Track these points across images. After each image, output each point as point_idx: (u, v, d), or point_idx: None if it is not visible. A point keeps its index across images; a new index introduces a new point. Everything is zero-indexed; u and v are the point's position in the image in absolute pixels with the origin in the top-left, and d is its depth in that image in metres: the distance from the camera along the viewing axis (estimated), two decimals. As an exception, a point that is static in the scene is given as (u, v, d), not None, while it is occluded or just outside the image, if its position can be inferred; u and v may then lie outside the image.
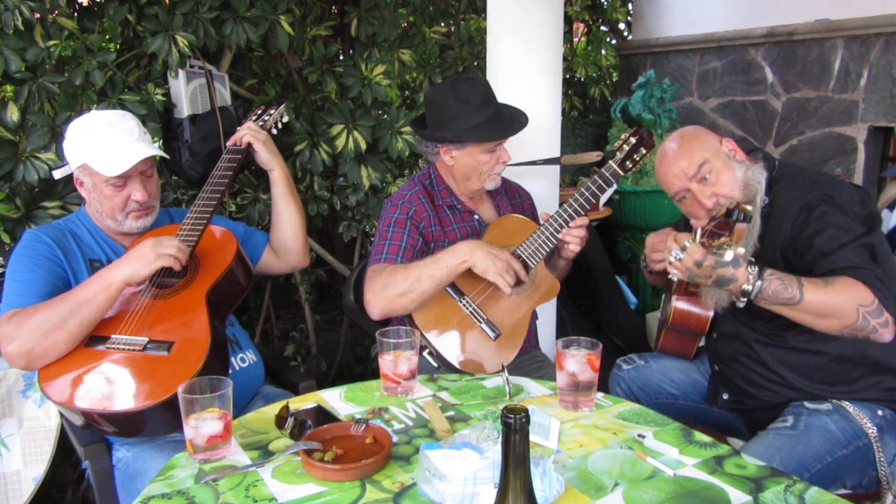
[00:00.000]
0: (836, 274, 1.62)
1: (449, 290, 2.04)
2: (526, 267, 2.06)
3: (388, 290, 1.96)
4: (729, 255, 1.53)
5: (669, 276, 1.71)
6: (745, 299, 1.64)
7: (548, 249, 2.09)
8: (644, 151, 2.12)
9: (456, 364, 2.00)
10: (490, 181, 2.17)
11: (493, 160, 2.13)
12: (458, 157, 2.14)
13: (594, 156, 2.26)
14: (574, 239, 2.07)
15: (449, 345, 2.01)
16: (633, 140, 2.13)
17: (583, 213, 2.08)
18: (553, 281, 2.16)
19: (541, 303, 2.16)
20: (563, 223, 2.08)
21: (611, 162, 2.12)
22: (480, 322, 2.04)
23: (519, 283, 2.00)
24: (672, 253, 1.63)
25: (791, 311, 1.62)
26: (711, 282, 1.62)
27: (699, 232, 1.59)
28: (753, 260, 1.62)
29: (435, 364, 2.02)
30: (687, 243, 1.59)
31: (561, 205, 2.11)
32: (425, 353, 2.01)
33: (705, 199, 1.82)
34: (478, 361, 2.03)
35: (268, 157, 2.05)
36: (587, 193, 2.08)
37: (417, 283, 1.94)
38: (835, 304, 1.58)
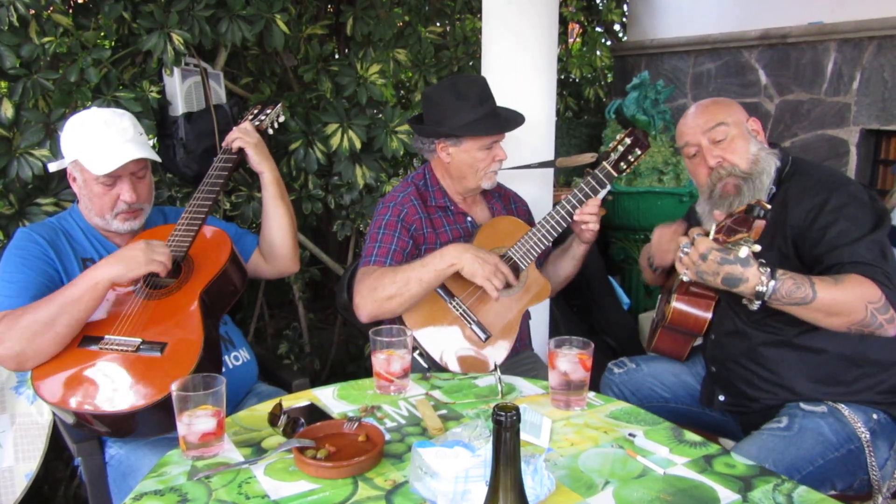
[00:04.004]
0: (846, 269, 1.62)
1: (439, 291, 2.04)
2: (517, 268, 2.07)
3: (376, 293, 1.96)
4: (744, 252, 1.51)
5: (681, 277, 1.69)
6: (759, 302, 1.61)
7: (539, 251, 2.09)
8: (639, 153, 2.12)
9: (445, 365, 2.01)
10: (486, 180, 2.16)
11: (489, 158, 2.13)
12: (454, 153, 2.13)
13: (588, 157, 2.26)
14: (591, 217, 2.09)
15: (439, 346, 2.02)
16: (627, 141, 2.12)
17: (570, 219, 2.11)
18: (544, 283, 2.16)
19: (531, 304, 2.17)
20: (555, 225, 2.09)
21: (605, 163, 2.12)
22: (471, 323, 2.05)
23: (508, 285, 2.00)
24: (682, 247, 1.63)
25: (802, 311, 1.61)
26: (720, 280, 1.58)
27: (714, 227, 1.57)
28: (764, 261, 1.60)
29: (425, 365, 2.03)
30: (696, 236, 1.58)
31: (554, 206, 2.12)
32: (415, 354, 2.01)
33: (710, 157, 1.84)
34: (468, 363, 2.03)
35: (258, 160, 2.03)
36: (580, 195, 2.10)
37: (405, 286, 1.94)
38: (845, 301, 1.58)
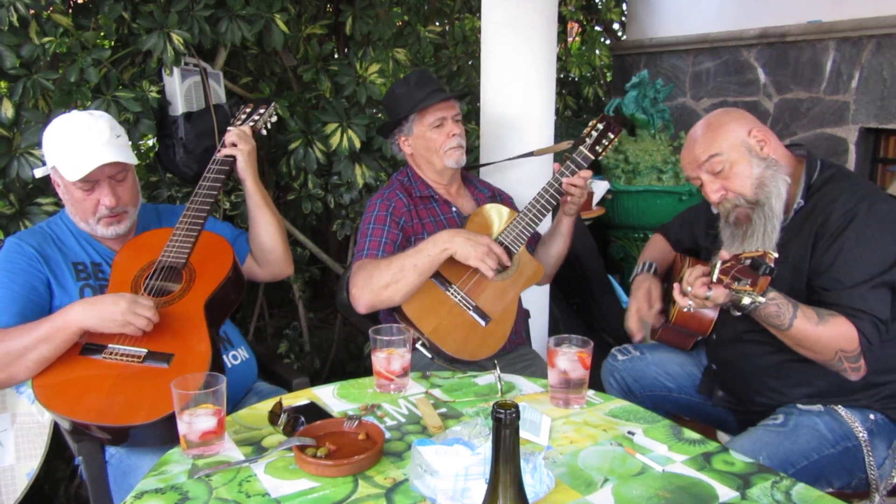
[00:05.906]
0: (840, 311, 1.61)
1: (435, 280, 2.06)
2: (509, 252, 2.11)
3: (372, 282, 1.99)
4: (747, 300, 1.51)
5: (684, 309, 1.70)
6: (739, 312, 1.65)
7: (529, 234, 2.14)
8: (612, 136, 2.20)
9: (450, 353, 2.02)
10: (448, 157, 2.20)
11: (442, 135, 2.19)
12: (413, 143, 2.23)
13: (565, 144, 2.36)
14: (576, 190, 2.13)
15: (441, 335, 2.03)
16: (600, 126, 2.21)
17: (559, 197, 2.16)
18: (537, 265, 2.20)
19: (527, 286, 2.20)
20: (541, 209, 2.14)
21: (581, 147, 2.19)
22: (469, 310, 2.07)
23: (502, 268, 2.04)
24: (689, 289, 1.58)
25: (775, 332, 1.66)
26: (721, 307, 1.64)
27: (718, 266, 1.48)
28: None
29: (429, 356, 2.03)
30: (709, 293, 1.53)
31: (538, 192, 2.17)
32: (418, 346, 2.02)
33: (712, 192, 1.80)
34: (471, 349, 2.05)
35: (244, 167, 2.02)
36: (561, 178, 2.14)
37: (400, 273, 1.97)
38: (818, 341, 1.61)
